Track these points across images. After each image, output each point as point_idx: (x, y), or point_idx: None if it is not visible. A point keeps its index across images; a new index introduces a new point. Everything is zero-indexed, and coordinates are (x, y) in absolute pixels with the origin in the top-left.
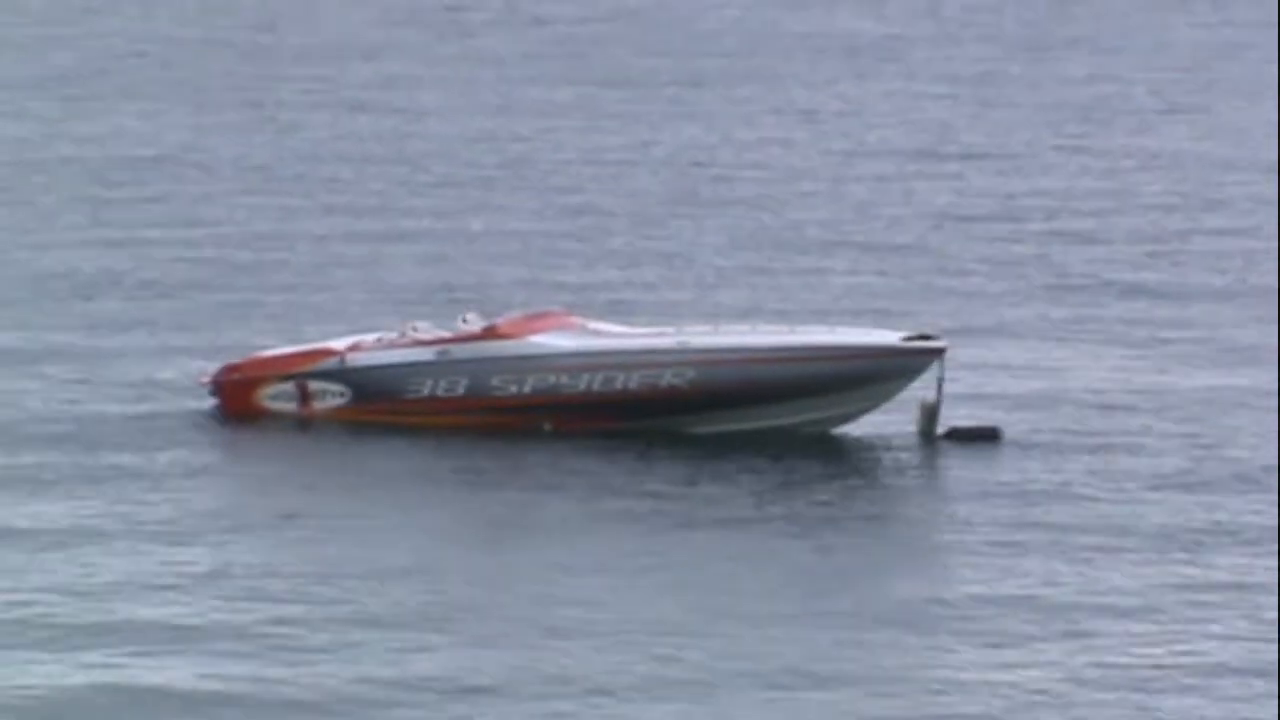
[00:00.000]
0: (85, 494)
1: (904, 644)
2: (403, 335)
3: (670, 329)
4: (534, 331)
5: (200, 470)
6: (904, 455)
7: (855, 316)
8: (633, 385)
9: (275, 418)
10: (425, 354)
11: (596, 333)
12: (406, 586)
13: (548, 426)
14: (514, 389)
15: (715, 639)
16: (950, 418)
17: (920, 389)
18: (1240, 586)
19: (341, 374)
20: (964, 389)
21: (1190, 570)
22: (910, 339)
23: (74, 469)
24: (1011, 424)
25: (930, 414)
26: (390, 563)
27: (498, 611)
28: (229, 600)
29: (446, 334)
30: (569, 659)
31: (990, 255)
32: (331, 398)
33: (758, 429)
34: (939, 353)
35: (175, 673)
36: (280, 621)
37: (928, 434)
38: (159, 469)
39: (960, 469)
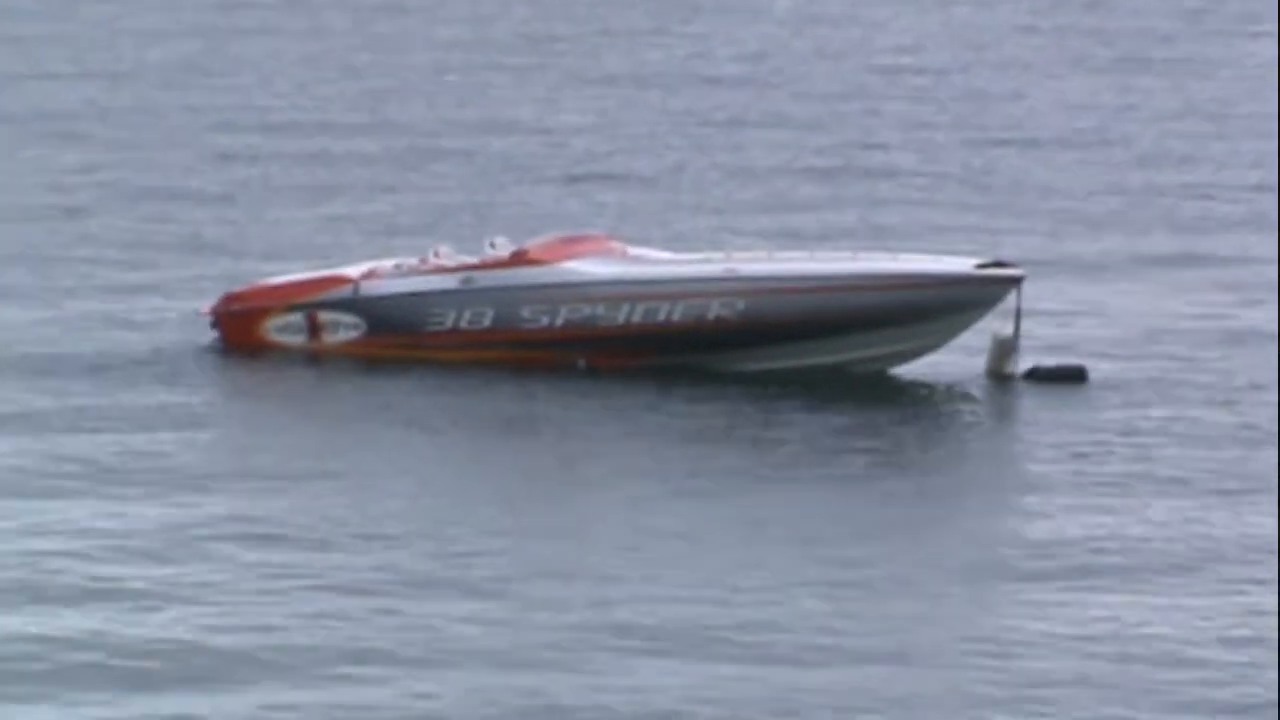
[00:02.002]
0: (70, 440)
1: (968, 612)
2: (423, 261)
3: (719, 255)
4: (568, 257)
5: (200, 413)
6: (976, 397)
7: (925, 244)
8: (677, 317)
9: (281, 352)
10: (448, 281)
11: (637, 259)
12: (422, 545)
13: (582, 363)
14: (545, 320)
15: (773, 603)
16: (1029, 355)
17: (994, 322)
18: None
19: (355, 303)
20: (1045, 323)
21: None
22: (984, 266)
23: (60, 410)
24: (1098, 364)
25: (1004, 350)
26: (411, 522)
27: (536, 581)
28: (226, 562)
29: (472, 260)
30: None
31: (1078, 180)
32: (344, 330)
33: (813, 366)
34: (1016, 281)
35: (165, 627)
36: (283, 589)
37: (999, 373)
38: (152, 413)
39: (1040, 413)
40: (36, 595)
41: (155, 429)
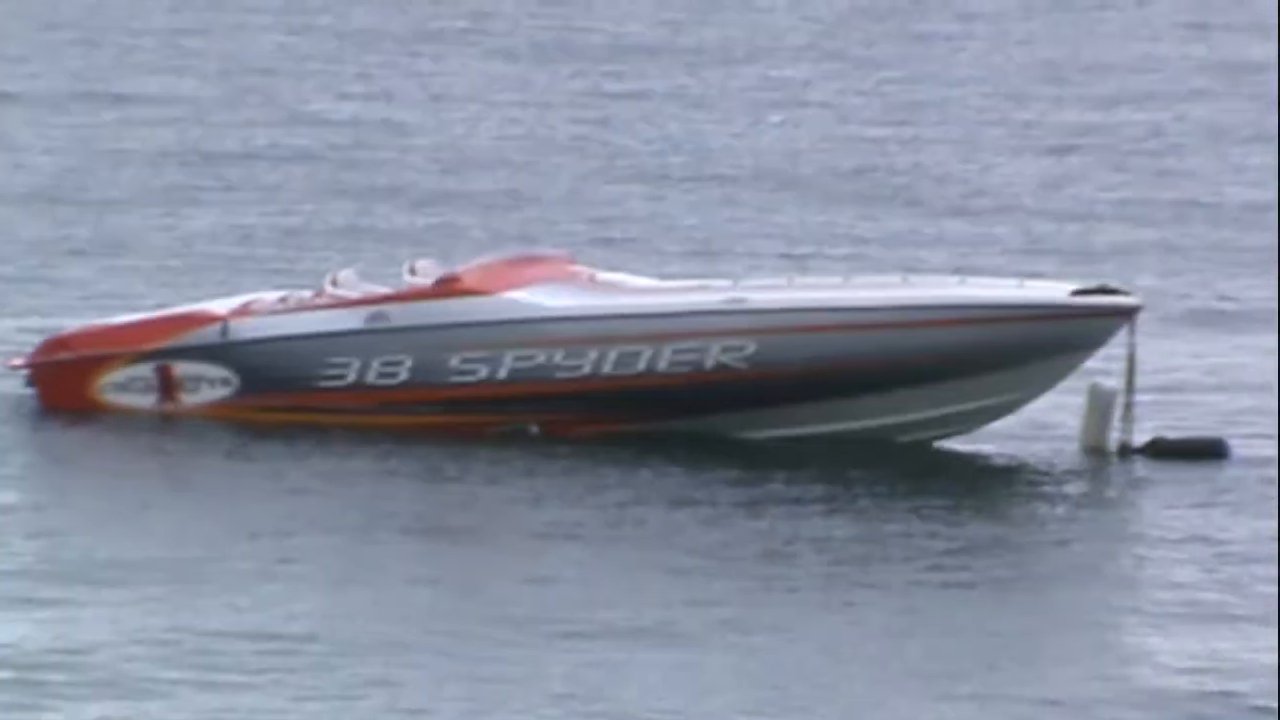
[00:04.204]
0: None
1: None
2: (318, 293)
3: (722, 282)
4: (514, 285)
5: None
6: (1073, 482)
7: (1004, 272)
8: (663, 366)
9: (122, 417)
10: (351, 319)
11: (609, 287)
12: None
13: (534, 428)
14: (484, 372)
15: None
16: (1147, 421)
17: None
18: None
19: (224, 351)
20: (1165, 378)
21: None
22: (1084, 292)
23: None
24: (1240, 433)
25: (1107, 412)
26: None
27: None
28: None
29: (383, 289)
30: None
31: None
32: (209, 387)
33: (847, 433)
34: (1130, 313)
35: None
36: None
37: (1099, 446)
38: None
39: (1164, 504)
40: None
41: None
